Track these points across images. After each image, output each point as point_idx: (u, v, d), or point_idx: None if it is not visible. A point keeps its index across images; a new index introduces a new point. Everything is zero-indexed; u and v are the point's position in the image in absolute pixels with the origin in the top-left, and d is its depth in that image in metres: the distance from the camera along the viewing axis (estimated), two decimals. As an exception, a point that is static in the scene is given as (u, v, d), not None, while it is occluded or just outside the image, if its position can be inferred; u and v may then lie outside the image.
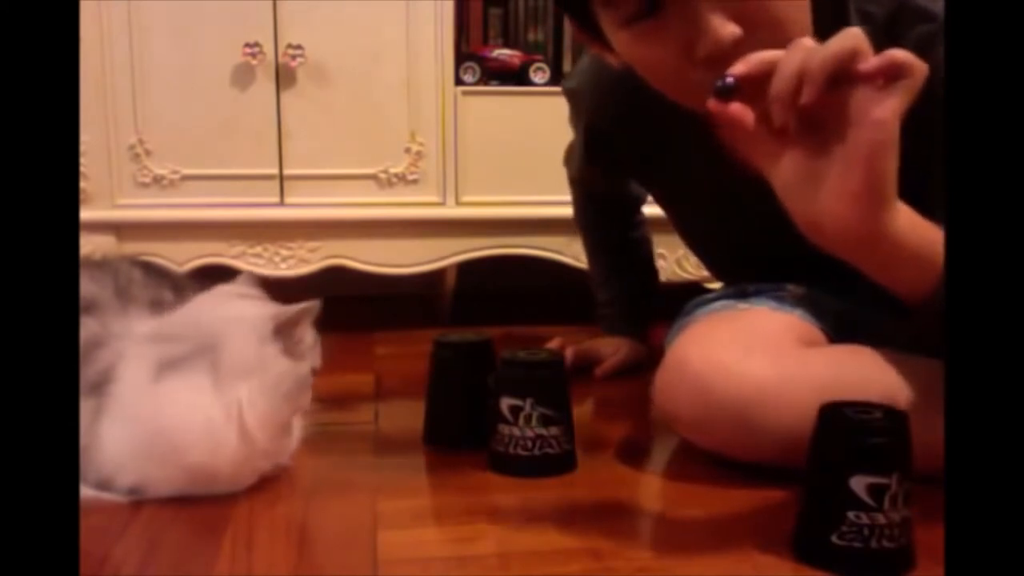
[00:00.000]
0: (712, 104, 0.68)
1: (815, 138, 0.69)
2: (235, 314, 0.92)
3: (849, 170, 0.67)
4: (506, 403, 0.95)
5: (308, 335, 0.92)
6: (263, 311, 0.91)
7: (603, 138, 1.16)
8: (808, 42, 0.67)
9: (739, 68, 0.67)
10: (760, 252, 1.08)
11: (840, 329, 1.01)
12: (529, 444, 0.95)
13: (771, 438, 0.87)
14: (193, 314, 0.93)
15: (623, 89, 0.89)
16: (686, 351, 0.94)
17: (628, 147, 1.13)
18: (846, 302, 1.02)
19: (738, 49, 0.72)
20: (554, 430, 0.96)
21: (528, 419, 0.95)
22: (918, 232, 0.71)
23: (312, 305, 0.91)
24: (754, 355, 0.90)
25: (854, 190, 0.67)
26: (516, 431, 0.95)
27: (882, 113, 0.65)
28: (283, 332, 0.89)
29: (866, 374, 0.88)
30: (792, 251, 0.82)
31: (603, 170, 1.28)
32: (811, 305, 1.02)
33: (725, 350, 0.91)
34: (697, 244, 1.25)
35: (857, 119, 0.66)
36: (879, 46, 0.79)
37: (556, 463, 0.96)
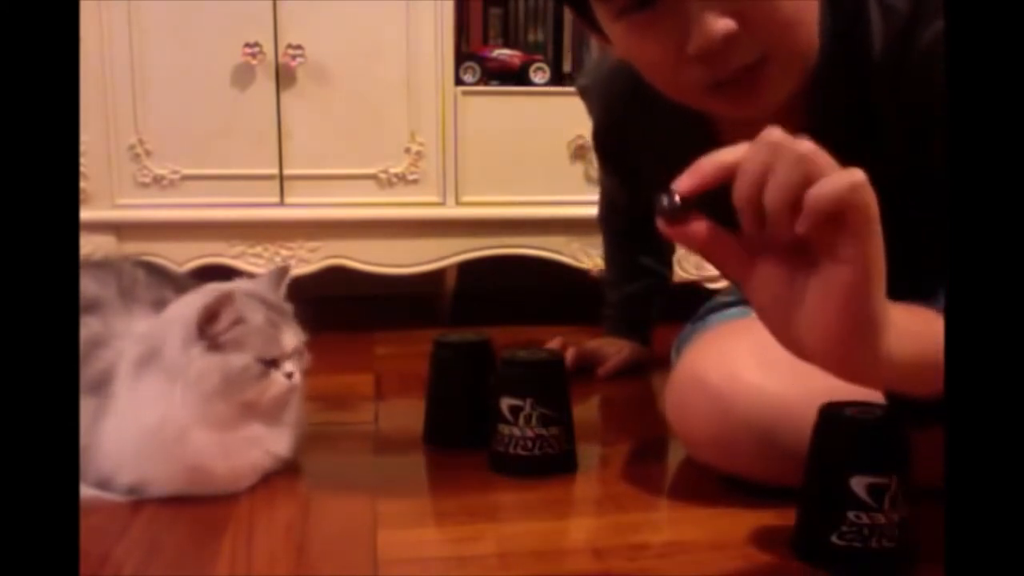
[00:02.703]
0: (661, 226, 0.60)
1: (787, 251, 0.60)
2: (174, 314, 0.91)
3: (827, 308, 0.59)
4: (506, 403, 0.95)
5: (242, 323, 0.88)
6: (195, 305, 0.88)
7: (611, 135, 1.15)
8: (774, 135, 0.58)
9: (686, 182, 0.59)
10: None
11: None
12: (529, 444, 0.95)
13: (798, 460, 0.79)
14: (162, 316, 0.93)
15: (628, 85, 0.86)
16: (702, 365, 0.89)
17: (633, 145, 1.12)
18: None
19: (731, 45, 0.70)
20: (554, 430, 0.96)
21: (528, 419, 0.95)
22: (916, 340, 0.62)
23: (229, 290, 0.88)
24: (777, 369, 0.84)
25: (835, 331, 0.59)
26: (516, 431, 0.95)
27: (854, 251, 0.57)
28: (205, 326, 0.87)
29: None
30: None
31: (613, 170, 1.27)
32: None
33: (744, 364, 0.86)
34: None
35: (827, 250, 0.58)
36: (898, 45, 0.76)
37: (556, 463, 0.96)
